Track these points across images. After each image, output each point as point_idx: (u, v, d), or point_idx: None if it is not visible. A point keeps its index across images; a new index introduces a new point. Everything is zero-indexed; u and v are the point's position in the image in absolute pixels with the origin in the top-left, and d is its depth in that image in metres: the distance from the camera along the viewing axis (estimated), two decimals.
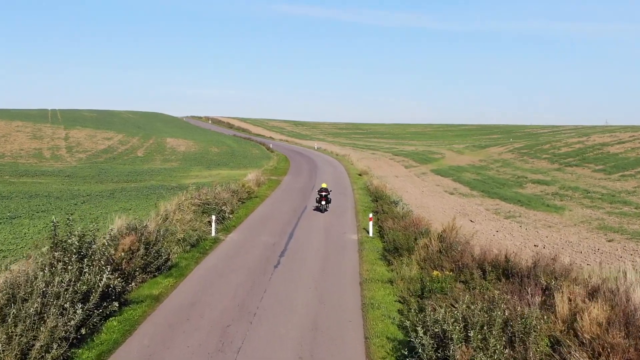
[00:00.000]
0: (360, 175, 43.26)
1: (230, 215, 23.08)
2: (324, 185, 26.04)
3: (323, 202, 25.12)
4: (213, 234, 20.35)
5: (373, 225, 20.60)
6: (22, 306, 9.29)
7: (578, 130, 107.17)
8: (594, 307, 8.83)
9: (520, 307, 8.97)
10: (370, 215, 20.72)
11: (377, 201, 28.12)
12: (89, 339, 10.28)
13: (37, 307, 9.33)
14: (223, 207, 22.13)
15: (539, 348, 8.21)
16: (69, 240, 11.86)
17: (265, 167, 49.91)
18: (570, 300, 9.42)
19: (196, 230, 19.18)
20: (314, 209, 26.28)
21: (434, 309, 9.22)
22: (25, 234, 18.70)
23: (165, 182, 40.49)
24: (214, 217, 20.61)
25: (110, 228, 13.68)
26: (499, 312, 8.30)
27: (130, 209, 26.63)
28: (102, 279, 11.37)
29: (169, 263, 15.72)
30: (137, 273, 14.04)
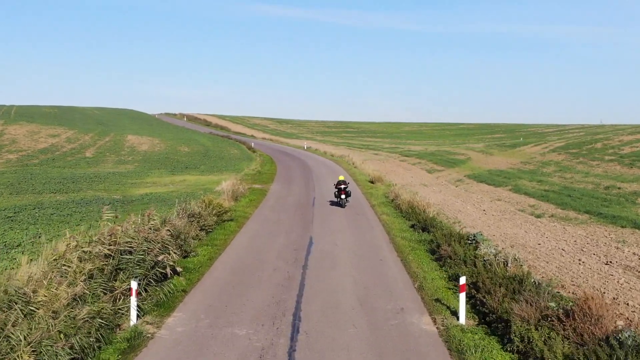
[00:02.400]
0: (372, 182, 32.43)
1: (178, 269, 12.16)
2: (341, 178, 23.86)
3: (343, 196, 23.12)
4: (133, 321, 9.66)
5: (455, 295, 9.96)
6: None
7: (586, 129, 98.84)
8: None
9: None
10: (462, 280, 10.00)
11: (425, 231, 17.38)
12: None
13: None
14: (160, 258, 11.24)
15: None
16: None
17: (245, 171, 38.99)
18: None
19: (80, 327, 8.34)
20: (331, 204, 24.00)
21: None
22: None
23: (109, 191, 29.48)
24: (135, 285, 9.80)
25: None
26: None
27: (18, 246, 16.20)
28: None
29: None
30: None
